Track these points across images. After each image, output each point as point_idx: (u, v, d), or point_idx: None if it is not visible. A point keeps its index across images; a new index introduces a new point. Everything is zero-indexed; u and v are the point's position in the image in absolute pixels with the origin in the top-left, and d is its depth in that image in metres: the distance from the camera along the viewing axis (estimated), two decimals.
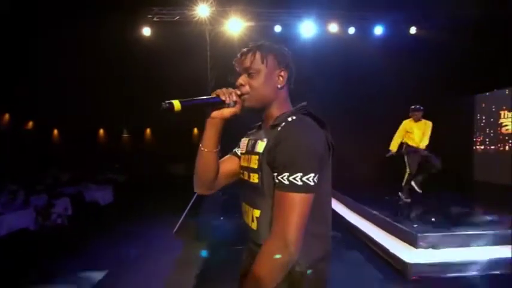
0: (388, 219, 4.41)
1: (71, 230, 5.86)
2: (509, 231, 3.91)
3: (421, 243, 3.68)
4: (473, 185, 8.10)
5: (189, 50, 7.58)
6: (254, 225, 1.11)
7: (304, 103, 1.15)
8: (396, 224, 4.20)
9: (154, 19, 7.27)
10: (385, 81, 8.04)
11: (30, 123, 12.11)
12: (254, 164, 1.11)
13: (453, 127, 9.09)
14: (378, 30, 7.91)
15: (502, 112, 7.78)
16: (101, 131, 12.88)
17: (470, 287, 3.29)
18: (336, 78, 7.95)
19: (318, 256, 1.08)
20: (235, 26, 7.33)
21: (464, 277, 3.40)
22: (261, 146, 1.10)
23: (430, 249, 3.66)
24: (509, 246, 3.68)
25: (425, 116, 5.41)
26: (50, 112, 10.74)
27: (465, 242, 3.75)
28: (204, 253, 4.25)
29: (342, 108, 8.07)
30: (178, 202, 6.32)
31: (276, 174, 1.02)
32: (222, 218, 5.91)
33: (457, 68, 7.77)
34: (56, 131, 12.72)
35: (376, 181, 7.78)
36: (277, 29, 7.61)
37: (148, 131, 12.84)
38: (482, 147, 8.31)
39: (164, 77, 8.22)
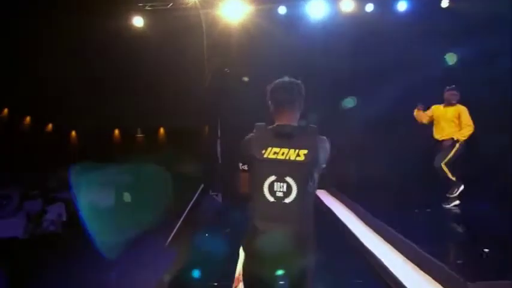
0: (420, 250, 3.13)
1: (63, 237, 5.66)
2: None
3: None
4: None
5: (185, 40, 7.02)
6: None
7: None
8: (431, 257, 2.93)
9: (147, 8, 6.74)
10: (413, 67, 6.86)
11: (50, 126, 12.32)
12: None
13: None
14: (402, 5, 6.80)
15: None
16: (116, 132, 12.79)
17: None
18: (352, 66, 6.92)
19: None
20: (234, 11, 6.60)
21: None
22: None
23: None
24: None
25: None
26: (67, 114, 10.76)
27: None
28: (196, 273, 3.74)
29: (363, 100, 7.03)
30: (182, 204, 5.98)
31: None
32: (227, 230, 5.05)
33: (502, 44, 6.36)
34: (73, 133, 12.83)
35: (399, 186, 6.30)
36: (282, 10, 6.79)
37: (161, 130, 12.53)
38: None
39: (160, 69, 7.76)
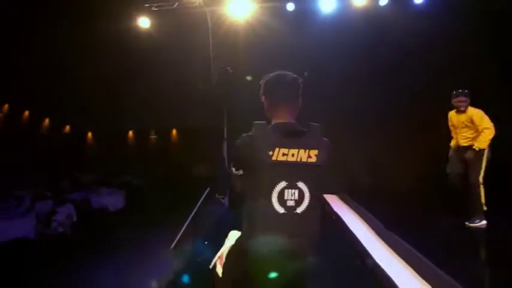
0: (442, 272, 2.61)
1: (72, 239, 5.61)
2: None
3: None
4: None
5: (191, 40, 6.88)
6: None
7: None
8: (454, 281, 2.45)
9: (153, 8, 6.66)
10: (433, 65, 6.39)
11: (68, 127, 12.60)
12: None
13: None
14: None
15: None
16: (130, 133, 12.90)
17: None
18: (364, 64, 6.52)
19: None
20: (240, 9, 6.39)
21: None
22: None
23: None
24: None
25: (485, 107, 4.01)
26: (84, 116, 10.97)
27: None
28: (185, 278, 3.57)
29: (375, 102, 6.63)
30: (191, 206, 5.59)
31: None
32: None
33: None
34: (90, 134, 13.06)
35: (427, 200, 5.57)
36: (290, 7, 6.46)
37: (174, 131, 12.49)
38: None
39: (169, 69, 7.67)
